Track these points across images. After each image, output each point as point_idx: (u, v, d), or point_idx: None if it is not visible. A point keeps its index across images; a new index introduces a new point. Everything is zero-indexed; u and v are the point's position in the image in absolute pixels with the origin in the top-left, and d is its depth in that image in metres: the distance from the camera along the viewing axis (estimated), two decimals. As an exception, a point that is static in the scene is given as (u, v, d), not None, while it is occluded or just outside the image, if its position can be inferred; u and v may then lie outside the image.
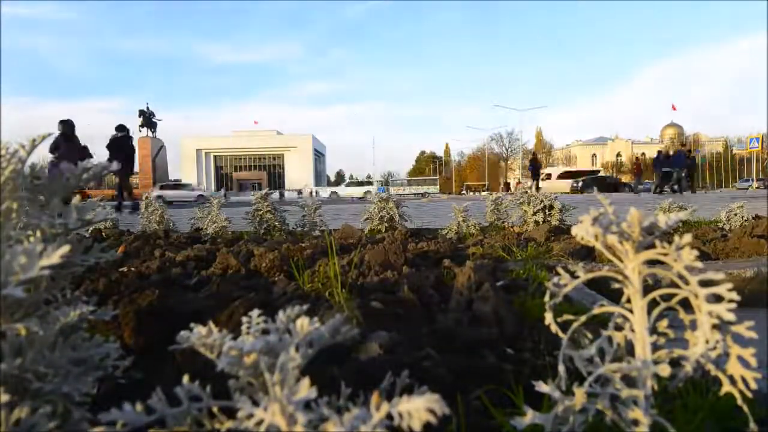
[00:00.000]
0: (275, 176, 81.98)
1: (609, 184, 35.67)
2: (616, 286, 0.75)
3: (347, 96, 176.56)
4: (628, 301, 0.74)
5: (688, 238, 0.68)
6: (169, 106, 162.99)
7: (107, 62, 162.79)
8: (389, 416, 0.52)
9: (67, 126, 10.25)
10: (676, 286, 0.71)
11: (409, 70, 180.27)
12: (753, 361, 0.68)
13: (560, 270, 0.81)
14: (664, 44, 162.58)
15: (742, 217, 4.15)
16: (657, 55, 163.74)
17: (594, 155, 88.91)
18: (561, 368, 0.76)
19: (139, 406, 0.57)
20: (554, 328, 0.80)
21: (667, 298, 0.72)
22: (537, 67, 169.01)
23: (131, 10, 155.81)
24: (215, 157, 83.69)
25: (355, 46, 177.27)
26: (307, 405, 0.54)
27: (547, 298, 0.80)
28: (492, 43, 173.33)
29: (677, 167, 20.27)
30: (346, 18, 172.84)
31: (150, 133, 40.95)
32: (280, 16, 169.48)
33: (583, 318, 0.78)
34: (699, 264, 0.68)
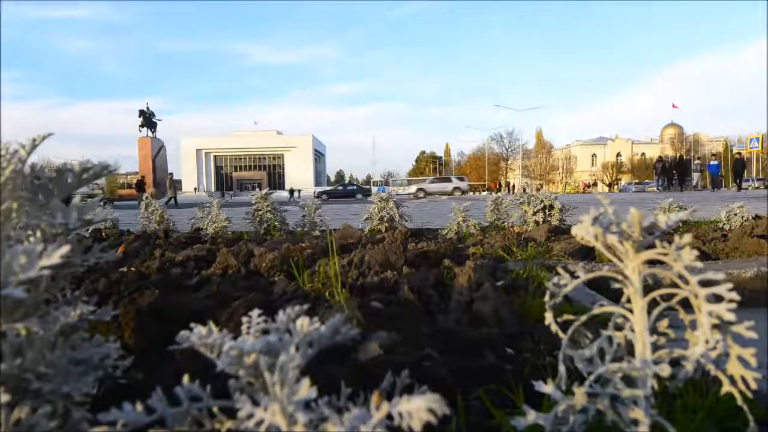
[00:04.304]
0: (275, 176, 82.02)
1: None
2: (616, 286, 0.75)
3: (350, 97, 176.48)
4: (628, 301, 0.74)
5: (688, 238, 0.68)
6: (195, 107, 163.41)
7: (142, 63, 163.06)
8: (389, 416, 0.52)
9: None
10: (676, 286, 0.71)
11: (410, 71, 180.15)
12: (753, 361, 0.68)
13: (560, 270, 0.81)
14: (666, 48, 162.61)
15: (742, 217, 4.14)
16: (659, 59, 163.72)
17: (594, 155, 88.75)
18: (561, 368, 0.76)
19: (139, 406, 0.57)
20: (554, 328, 0.80)
21: (667, 298, 0.72)
22: (537, 68, 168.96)
23: (179, 10, 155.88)
24: (215, 157, 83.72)
25: (365, 49, 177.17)
26: (307, 405, 0.54)
27: (547, 298, 0.80)
28: (495, 44, 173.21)
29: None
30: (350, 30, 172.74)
31: (150, 133, 40.95)
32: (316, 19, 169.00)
33: (583, 318, 0.78)
34: (699, 264, 0.68)
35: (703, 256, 2.93)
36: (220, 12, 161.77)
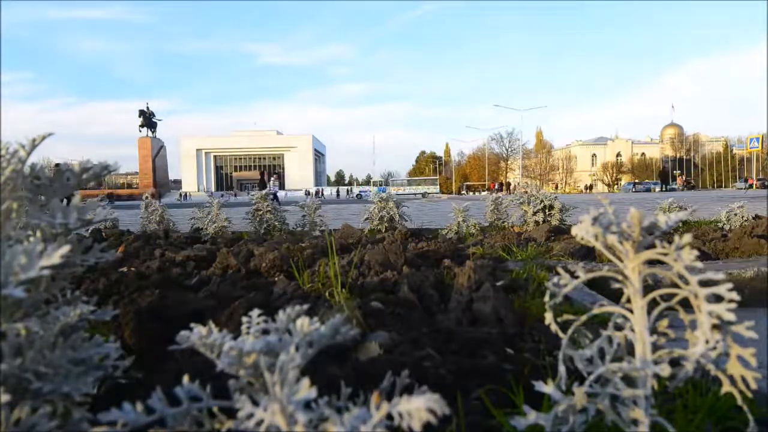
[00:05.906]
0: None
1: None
2: (616, 286, 0.75)
3: (352, 97, 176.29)
4: (628, 301, 0.74)
5: (688, 238, 0.68)
6: (198, 108, 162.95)
7: (149, 64, 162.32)
8: (389, 416, 0.52)
9: None
10: (676, 286, 0.71)
11: (410, 70, 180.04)
12: (753, 361, 0.68)
13: (560, 270, 0.81)
14: (667, 49, 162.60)
15: (742, 217, 4.15)
16: (660, 59, 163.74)
17: (594, 155, 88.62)
18: (561, 368, 0.76)
19: (139, 406, 0.57)
20: (554, 328, 0.80)
21: (667, 298, 0.72)
22: (538, 68, 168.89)
23: (190, 12, 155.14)
24: (215, 156, 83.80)
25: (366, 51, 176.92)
26: (307, 405, 0.54)
27: (547, 298, 0.80)
28: (496, 45, 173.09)
29: None
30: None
31: (150, 133, 41.00)
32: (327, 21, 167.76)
33: (583, 318, 0.78)
34: (699, 264, 0.68)
35: (703, 256, 2.93)
36: (232, 11, 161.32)
